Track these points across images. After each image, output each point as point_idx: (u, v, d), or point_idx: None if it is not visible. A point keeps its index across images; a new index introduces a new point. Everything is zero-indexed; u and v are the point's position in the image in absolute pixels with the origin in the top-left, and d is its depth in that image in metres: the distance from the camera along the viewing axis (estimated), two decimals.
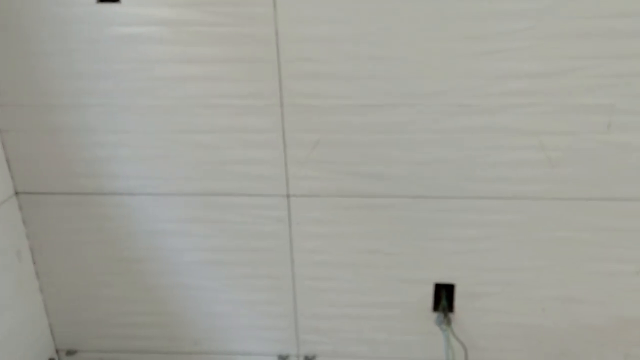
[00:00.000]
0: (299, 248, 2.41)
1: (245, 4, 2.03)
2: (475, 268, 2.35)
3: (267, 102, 2.16)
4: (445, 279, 2.39)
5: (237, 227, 2.40)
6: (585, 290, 2.33)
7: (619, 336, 2.38)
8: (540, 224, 2.24)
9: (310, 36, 2.05)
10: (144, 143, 2.28)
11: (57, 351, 2.72)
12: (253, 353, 2.65)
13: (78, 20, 2.11)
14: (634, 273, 2.26)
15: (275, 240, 2.40)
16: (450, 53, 2.02)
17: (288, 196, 2.31)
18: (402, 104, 2.11)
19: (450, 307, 2.43)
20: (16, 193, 2.40)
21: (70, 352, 2.72)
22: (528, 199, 2.20)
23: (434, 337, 2.48)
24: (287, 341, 2.61)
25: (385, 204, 2.28)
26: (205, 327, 2.62)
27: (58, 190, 2.39)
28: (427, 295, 2.43)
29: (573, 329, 2.41)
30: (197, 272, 2.51)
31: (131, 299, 2.59)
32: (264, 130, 2.21)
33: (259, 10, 2.03)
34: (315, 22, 2.03)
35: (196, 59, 2.13)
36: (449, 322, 2.42)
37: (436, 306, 2.44)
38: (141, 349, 2.70)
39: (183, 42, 2.11)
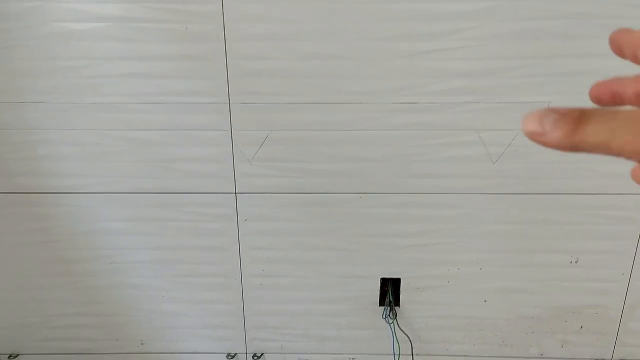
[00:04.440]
0: (246, 245, 2.41)
1: (193, 1, 2.03)
2: (420, 262, 2.40)
3: (215, 100, 2.16)
4: (391, 274, 2.44)
5: (183, 225, 2.38)
6: (524, 282, 2.42)
7: (557, 325, 2.48)
8: (481, 219, 2.31)
9: (257, 35, 2.07)
10: (87, 141, 2.24)
11: None
12: (201, 352, 2.64)
13: (20, 17, 2.06)
14: (569, 264, 2.36)
15: (222, 238, 2.40)
16: (393, 52, 2.06)
17: (236, 193, 2.31)
18: (346, 102, 2.14)
19: (396, 302, 2.48)
20: None
21: (12, 357, 2.64)
22: (470, 194, 2.26)
23: (380, 332, 2.53)
24: (235, 339, 2.60)
25: (332, 200, 2.31)
26: (151, 328, 2.59)
27: None
28: (374, 290, 2.47)
29: (513, 319, 2.49)
30: (143, 272, 2.47)
31: (74, 301, 2.53)
32: (211, 128, 2.21)
33: (207, 8, 2.03)
34: (262, 20, 2.04)
35: (143, 57, 2.11)
36: (395, 316, 2.47)
37: (382, 301, 2.49)
38: (85, 351, 2.64)
39: (129, 39, 2.09)
